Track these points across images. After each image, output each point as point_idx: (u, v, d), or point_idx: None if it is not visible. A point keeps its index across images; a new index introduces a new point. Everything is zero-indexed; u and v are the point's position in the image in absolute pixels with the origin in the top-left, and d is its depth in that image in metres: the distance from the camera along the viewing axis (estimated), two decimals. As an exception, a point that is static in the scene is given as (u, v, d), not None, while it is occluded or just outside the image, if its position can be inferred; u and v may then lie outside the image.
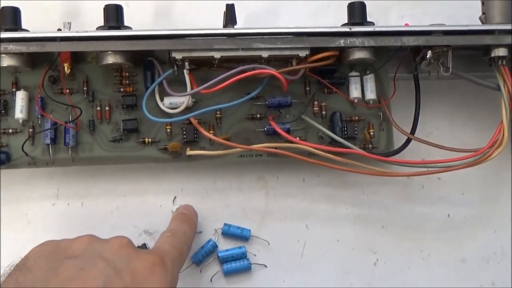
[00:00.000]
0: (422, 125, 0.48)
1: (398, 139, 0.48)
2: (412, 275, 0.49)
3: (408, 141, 0.48)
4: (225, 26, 0.46)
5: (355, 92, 0.48)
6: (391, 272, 0.49)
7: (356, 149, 0.46)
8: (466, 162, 0.46)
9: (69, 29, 0.46)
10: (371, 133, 0.48)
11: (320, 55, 0.45)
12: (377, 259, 0.49)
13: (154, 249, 0.41)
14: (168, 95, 0.46)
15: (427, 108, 0.51)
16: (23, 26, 0.45)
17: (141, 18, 0.50)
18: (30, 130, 0.46)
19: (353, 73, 0.48)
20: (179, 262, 0.42)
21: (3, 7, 0.44)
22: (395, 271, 0.49)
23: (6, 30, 0.44)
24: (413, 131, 0.48)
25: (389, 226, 0.49)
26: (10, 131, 0.46)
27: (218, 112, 0.47)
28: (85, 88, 0.47)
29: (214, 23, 0.47)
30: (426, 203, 0.50)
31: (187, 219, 0.46)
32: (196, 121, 0.46)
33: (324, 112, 0.48)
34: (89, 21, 0.49)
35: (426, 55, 0.46)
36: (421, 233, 0.50)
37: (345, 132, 0.48)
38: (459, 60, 0.48)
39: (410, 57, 0.48)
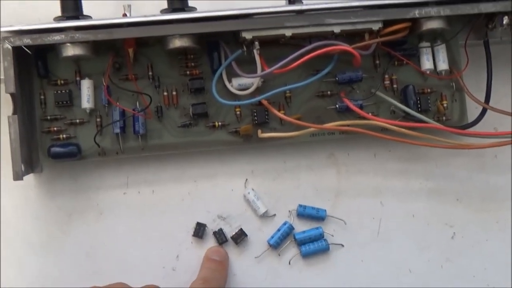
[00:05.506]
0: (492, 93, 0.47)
1: (470, 109, 0.47)
2: (490, 247, 0.48)
3: (484, 111, 0.46)
4: (291, 2, 0.44)
5: (427, 64, 0.46)
6: (469, 245, 0.48)
7: (434, 123, 0.45)
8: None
9: (130, 12, 0.45)
10: (445, 105, 0.47)
11: (394, 27, 0.43)
12: (454, 233, 0.48)
13: None
14: (236, 76, 0.45)
15: (495, 75, 0.48)
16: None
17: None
18: (98, 119, 0.45)
19: (424, 44, 0.46)
20: None
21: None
22: (473, 244, 0.48)
23: (68, 18, 0.42)
24: (487, 100, 0.46)
25: (464, 199, 0.48)
26: (77, 121, 0.45)
27: (287, 91, 0.46)
28: (150, 73, 0.45)
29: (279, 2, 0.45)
30: (500, 172, 0.49)
31: (218, 266, 0.45)
32: (267, 101, 0.45)
33: (395, 86, 0.47)
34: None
35: (502, 21, 0.44)
36: (497, 203, 0.48)
37: (419, 106, 0.46)
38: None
39: (480, 24, 0.46)
